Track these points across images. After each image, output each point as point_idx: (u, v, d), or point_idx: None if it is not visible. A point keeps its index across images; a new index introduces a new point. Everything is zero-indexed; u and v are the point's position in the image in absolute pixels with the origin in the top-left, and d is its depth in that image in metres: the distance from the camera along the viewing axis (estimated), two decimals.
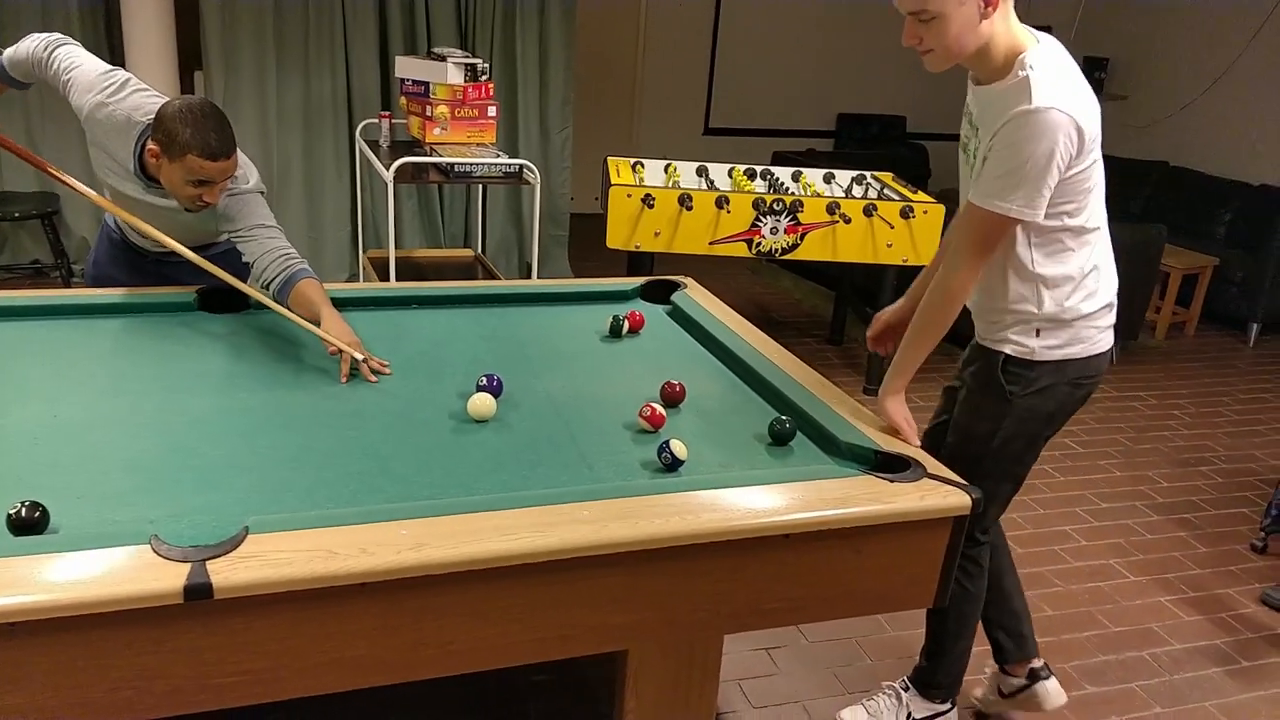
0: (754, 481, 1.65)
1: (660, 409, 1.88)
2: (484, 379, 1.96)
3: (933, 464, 1.77)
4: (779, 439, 1.85)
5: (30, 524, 1.37)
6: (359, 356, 2.04)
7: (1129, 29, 7.27)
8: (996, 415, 2.04)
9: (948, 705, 2.39)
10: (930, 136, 7.73)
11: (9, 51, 2.34)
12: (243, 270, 2.32)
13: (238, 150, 2.18)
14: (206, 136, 2.08)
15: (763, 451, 1.84)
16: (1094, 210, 1.94)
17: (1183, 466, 4.00)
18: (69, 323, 2.21)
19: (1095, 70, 7.42)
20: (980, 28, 1.78)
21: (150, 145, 2.13)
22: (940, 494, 1.66)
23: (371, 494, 1.58)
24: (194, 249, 2.30)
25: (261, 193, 2.35)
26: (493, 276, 4.62)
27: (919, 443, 1.89)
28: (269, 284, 2.20)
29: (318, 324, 2.11)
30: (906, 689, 2.39)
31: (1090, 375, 2.04)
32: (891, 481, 1.69)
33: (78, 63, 2.30)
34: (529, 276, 5.34)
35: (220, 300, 2.34)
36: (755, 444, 1.86)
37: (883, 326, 2.30)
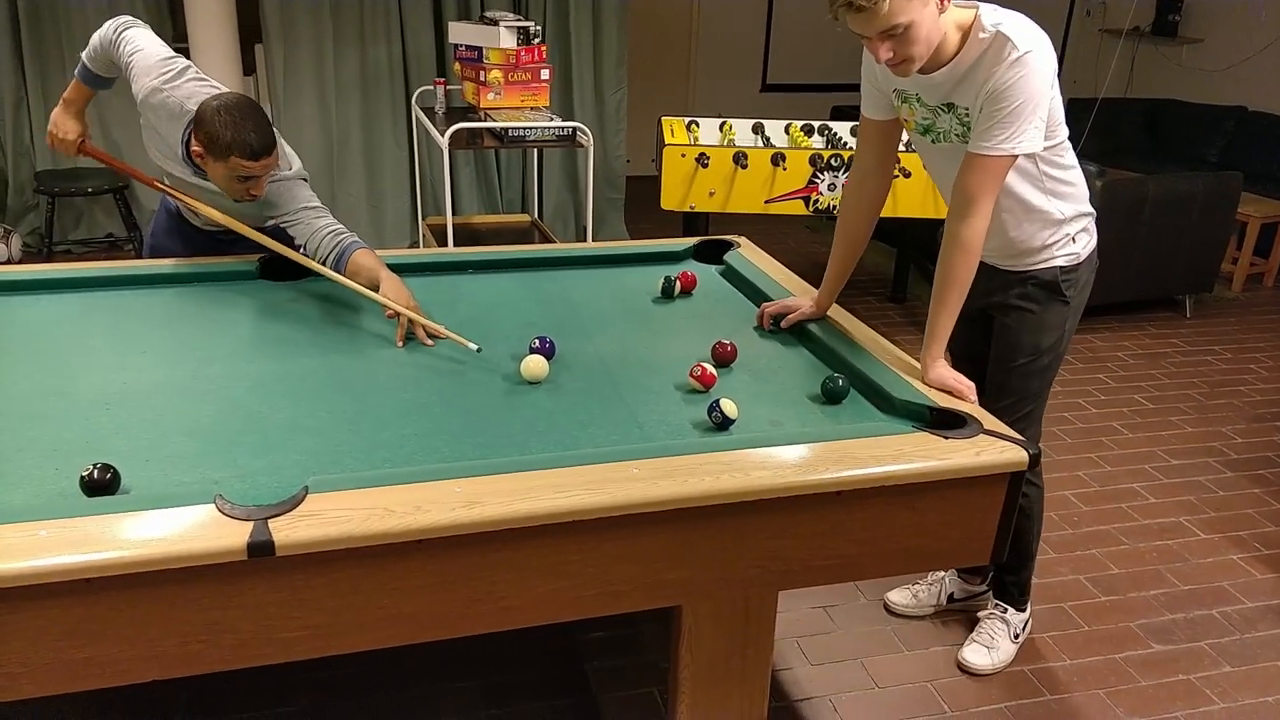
0: (805, 439, 1.64)
1: (711, 368, 1.87)
2: (536, 341, 1.98)
3: (989, 420, 1.74)
4: (832, 397, 1.84)
5: (102, 485, 1.43)
6: (418, 319, 2.07)
7: None
8: (1059, 322, 2.20)
9: (1029, 610, 2.55)
10: None
11: (86, 50, 2.42)
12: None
13: (279, 141, 2.23)
14: (246, 137, 2.12)
15: (815, 410, 1.82)
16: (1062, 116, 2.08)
17: (1259, 421, 3.88)
18: (136, 292, 2.29)
19: (1169, 13, 7.12)
20: (939, 21, 1.84)
21: (194, 145, 2.19)
22: (996, 449, 1.64)
23: (427, 454, 1.62)
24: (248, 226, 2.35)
25: (304, 179, 2.39)
26: (549, 241, 4.64)
27: (977, 400, 1.87)
28: (324, 261, 2.24)
29: (377, 290, 2.14)
30: (1004, 610, 2.52)
31: (1098, 260, 2.25)
32: (947, 438, 1.67)
33: (141, 47, 2.35)
34: (585, 240, 5.35)
35: (280, 268, 2.39)
36: (808, 402, 1.85)
37: (795, 318, 2.20)
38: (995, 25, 1.86)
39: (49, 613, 1.28)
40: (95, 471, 1.43)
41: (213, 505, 1.37)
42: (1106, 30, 7.54)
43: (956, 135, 1.99)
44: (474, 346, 2.01)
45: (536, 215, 5.21)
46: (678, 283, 2.38)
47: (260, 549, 1.31)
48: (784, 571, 1.63)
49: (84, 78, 2.44)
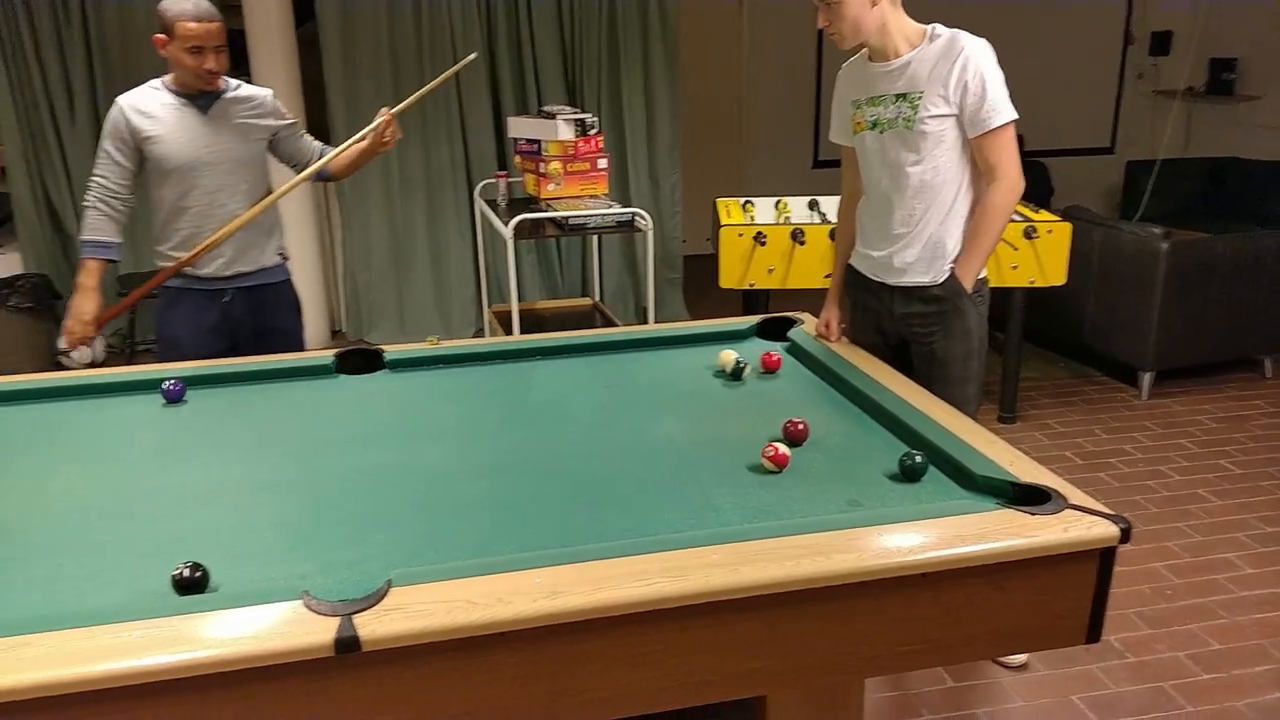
0: (887, 519, 1.62)
1: (784, 448, 1.86)
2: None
3: (1076, 494, 1.69)
4: (910, 474, 1.81)
5: (193, 584, 1.45)
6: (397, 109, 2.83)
7: (1254, 27, 6.90)
8: (974, 328, 2.55)
9: None
10: (1051, 153, 7.49)
11: (86, 222, 2.76)
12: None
13: (224, 26, 2.69)
14: (187, 6, 2.58)
15: (894, 488, 1.80)
16: None
17: None
18: (217, 391, 2.35)
19: (1223, 71, 7.07)
20: (873, 12, 2.29)
21: (157, 41, 2.65)
22: (1084, 525, 1.59)
23: (506, 544, 1.62)
24: (250, 272, 2.87)
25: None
26: (610, 323, 4.69)
27: None
28: (313, 162, 2.95)
29: (354, 157, 2.96)
30: None
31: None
32: (1032, 515, 1.63)
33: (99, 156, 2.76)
34: (645, 321, 5.39)
35: (356, 362, 2.45)
36: (885, 481, 1.82)
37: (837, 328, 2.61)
38: (939, 28, 2.33)
39: (147, 713, 1.30)
40: (185, 570, 1.46)
41: (299, 601, 1.39)
42: (1160, 92, 7.50)
43: (904, 120, 2.35)
44: (472, 55, 3.17)
45: (597, 298, 5.28)
46: (746, 366, 2.36)
47: (347, 645, 1.31)
48: (871, 658, 1.59)
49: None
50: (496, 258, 5.55)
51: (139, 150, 2.72)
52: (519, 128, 4.47)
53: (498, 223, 4.19)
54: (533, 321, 4.62)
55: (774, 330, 2.66)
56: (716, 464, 1.90)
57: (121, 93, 2.73)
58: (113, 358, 5.23)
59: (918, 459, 1.82)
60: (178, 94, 2.73)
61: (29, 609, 1.45)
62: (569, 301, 5.30)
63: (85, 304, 2.68)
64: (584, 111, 4.48)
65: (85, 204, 2.73)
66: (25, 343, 4.87)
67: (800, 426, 1.97)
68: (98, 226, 2.72)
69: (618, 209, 4.08)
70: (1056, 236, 3.87)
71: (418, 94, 3.07)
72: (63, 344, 2.72)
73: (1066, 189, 7.17)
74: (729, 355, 2.40)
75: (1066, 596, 1.63)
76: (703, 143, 7.09)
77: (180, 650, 1.29)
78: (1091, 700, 2.53)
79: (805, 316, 2.70)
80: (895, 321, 2.54)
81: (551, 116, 4.32)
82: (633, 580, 1.43)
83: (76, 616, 1.38)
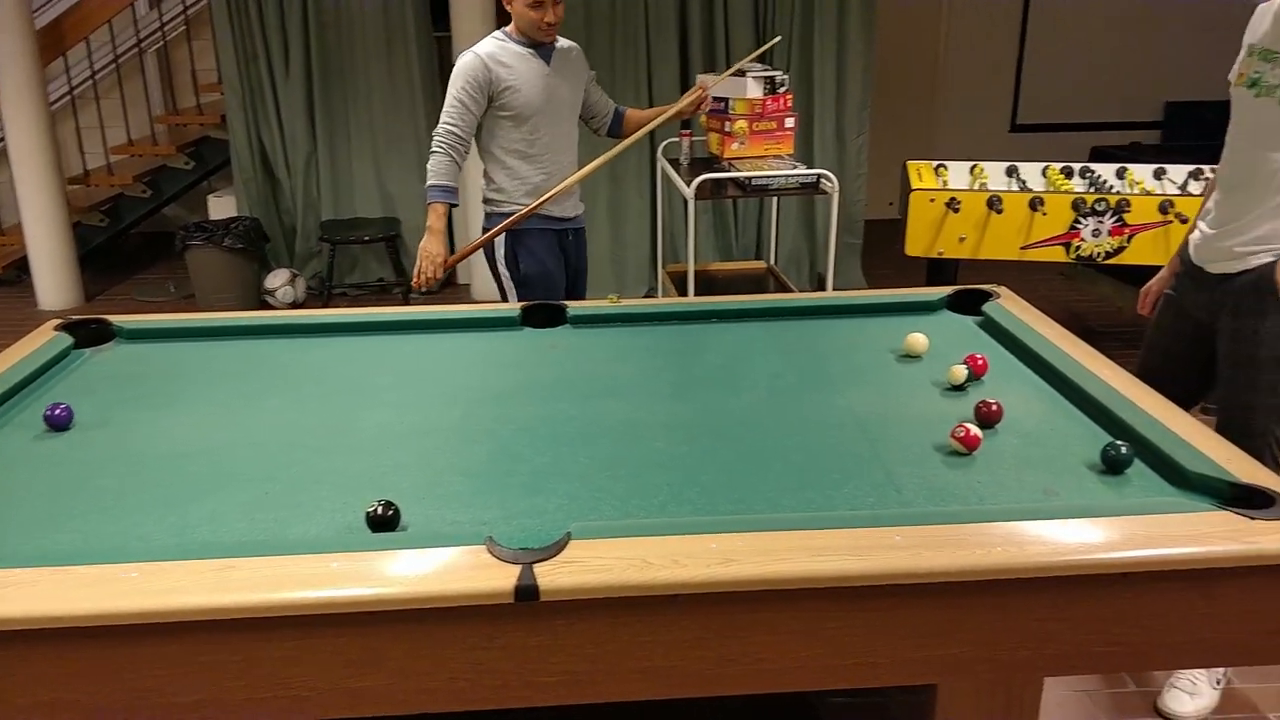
0: (1086, 513, 1.51)
1: (975, 429, 1.77)
2: None
3: None
4: (1114, 466, 1.69)
5: (385, 521, 1.52)
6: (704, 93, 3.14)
7: None
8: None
9: None
10: None
11: (437, 167, 2.88)
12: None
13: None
14: None
15: (1095, 480, 1.68)
16: None
17: None
18: (408, 337, 2.44)
19: None
20: None
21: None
22: None
23: (680, 504, 1.62)
24: (579, 215, 3.15)
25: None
26: (784, 288, 4.61)
27: None
28: (605, 118, 3.18)
29: (648, 122, 3.12)
30: None
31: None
32: (1252, 519, 1.49)
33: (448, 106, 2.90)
34: (821, 287, 5.27)
35: (542, 316, 2.50)
36: (1086, 471, 1.71)
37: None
38: None
39: (335, 642, 1.37)
40: (380, 508, 1.53)
41: (483, 546, 1.43)
42: None
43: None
44: (776, 39, 3.57)
45: (772, 261, 5.20)
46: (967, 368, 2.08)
47: (526, 593, 1.35)
48: (1056, 656, 1.50)
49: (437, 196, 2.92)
50: (674, 217, 5.54)
51: (491, 99, 2.84)
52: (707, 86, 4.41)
53: (680, 182, 4.17)
54: (705, 283, 4.60)
55: (967, 304, 2.53)
56: (900, 441, 1.83)
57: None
58: (311, 299, 5.57)
59: (1123, 450, 1.69)
60: (524, 44, 2.84)
61: (237, 533, 1.56)
62: (742, 264, 5.24)
63: (437, 246, 2.84)
64: (774, 68, 4.38)
65: (434, 150, 2.84)
66: (236, 280, 5.26)
67: (994, 407, 1.87)
68: (446, 172, 2.85)
69: (803, 170, 3.98)
70: None
71: (729, 71, 3.58)
72: (414, 283, 2.90)
73: None
74: (961, 371, 2.06)
75: None
76: (890, 101, 6.83)
77: (375, 585, 1.36)
78: None
79: (1003, 290, 2.55)
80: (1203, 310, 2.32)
81: (741, 74, 4.24)
82: (810, 555, 1.40)
83: (280, 544, 1.47)
